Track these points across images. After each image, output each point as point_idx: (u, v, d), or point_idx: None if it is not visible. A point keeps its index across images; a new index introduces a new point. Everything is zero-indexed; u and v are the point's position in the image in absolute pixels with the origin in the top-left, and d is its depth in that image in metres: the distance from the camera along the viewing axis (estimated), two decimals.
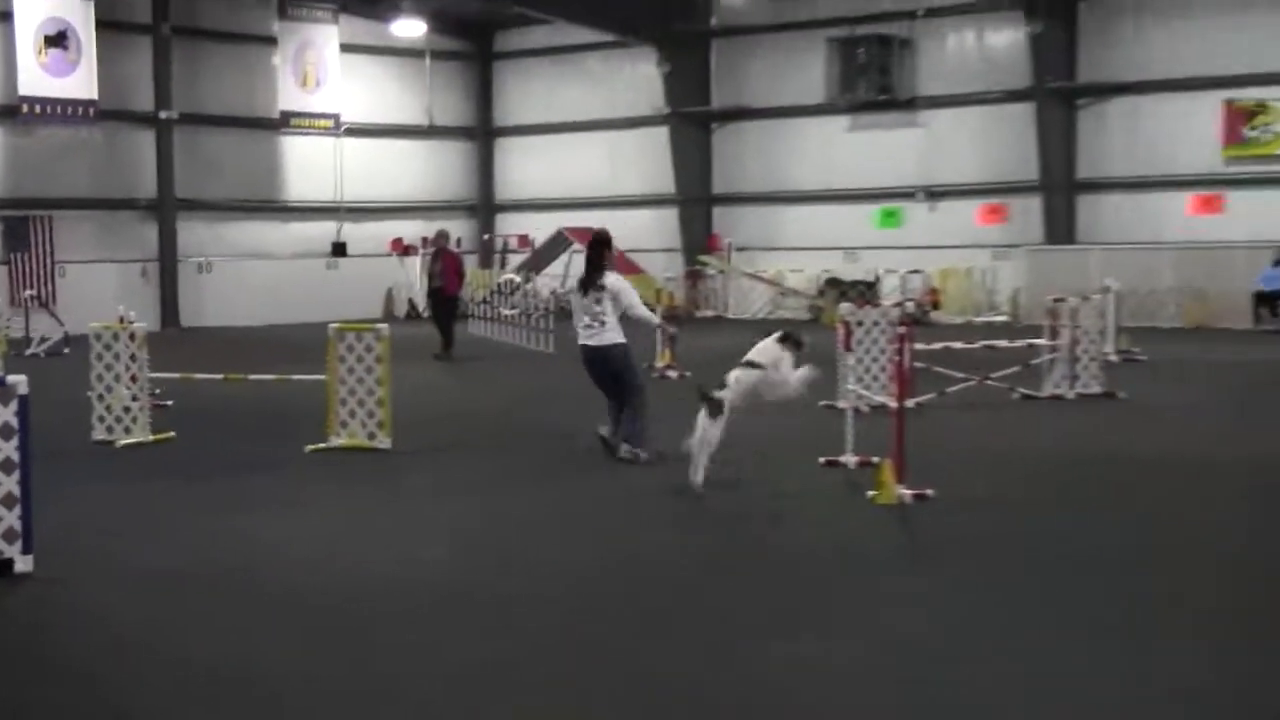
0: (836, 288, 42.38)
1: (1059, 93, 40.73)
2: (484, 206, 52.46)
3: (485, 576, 11.84)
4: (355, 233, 48.80)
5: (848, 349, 18.17)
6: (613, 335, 17.44)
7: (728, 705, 8.46)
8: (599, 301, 17.38)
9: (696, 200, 47.28)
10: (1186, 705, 8.30)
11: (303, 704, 8.55)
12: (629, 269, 44.18)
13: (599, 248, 17.92)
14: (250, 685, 8.95)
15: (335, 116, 47.54)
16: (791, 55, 45.40)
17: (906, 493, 14.13)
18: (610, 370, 17.59)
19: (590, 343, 17.52)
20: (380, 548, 12.84)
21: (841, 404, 18.28)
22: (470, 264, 42.77)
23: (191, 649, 9.74)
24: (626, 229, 45.87)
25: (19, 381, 11.57)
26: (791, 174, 45.99)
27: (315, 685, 8.88)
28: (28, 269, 40.79)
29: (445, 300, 32.46)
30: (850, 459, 16.10)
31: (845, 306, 21.56)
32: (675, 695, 8.69)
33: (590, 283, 17.49)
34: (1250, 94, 38.60)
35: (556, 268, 46.25)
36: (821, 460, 16.39)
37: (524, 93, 51.83)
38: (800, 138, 45.87)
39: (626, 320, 17.70)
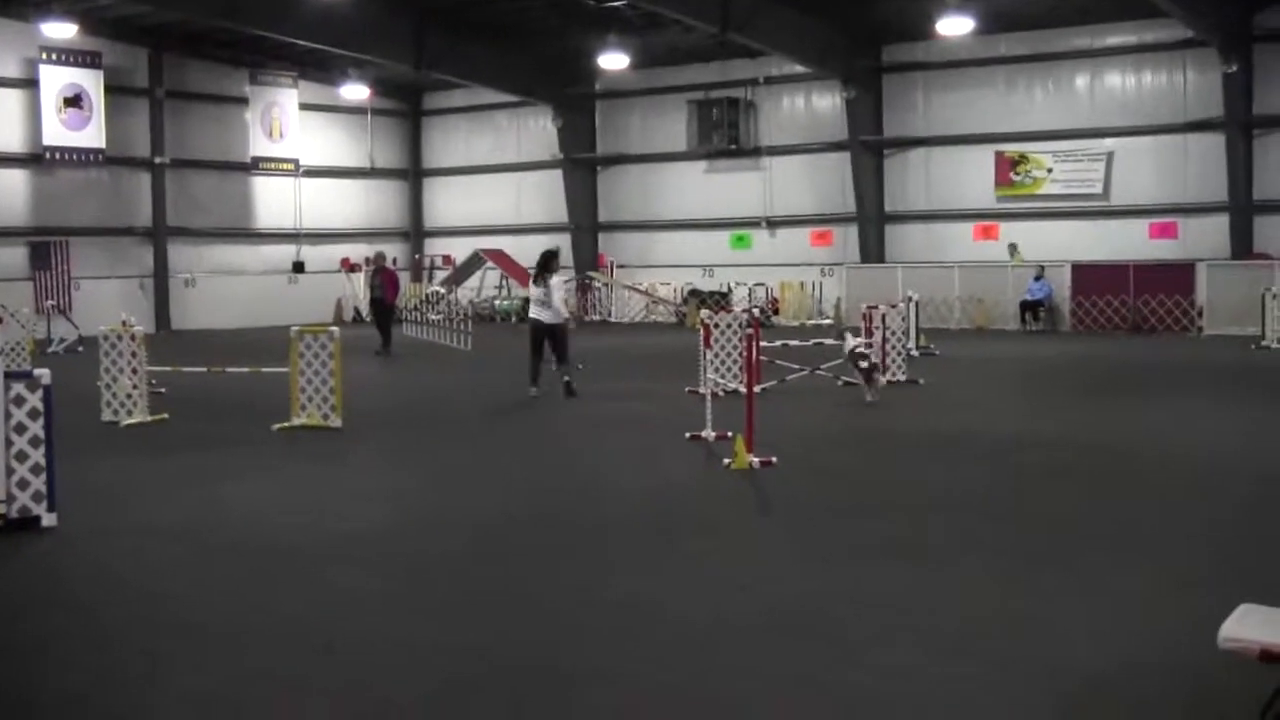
0: (697, 297, 42.52)
1: (869, 145, 41.09)
2: (415, 232, 52.16)
3: (406, 525, 11.91)
4: (311, 254, 48.41)
5: (708, 345, 18.29)
6: (552, 315, 21.69)
7: (587, 627, 8.53)
8: (545, 292, 21.68)
9: (585, 228, 47.29)
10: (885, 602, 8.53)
11: (235, 625, 8.57)
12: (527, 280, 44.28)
13: (550, 258, 22.21)
14: (213, 613, 8.97)
15: (295, 161, 47.18)
16: (660, 113, 45.50)
17: (756, 460, 14.29)
18: (549, 336, 21.73)
19: (538, 317, 21.77)
20: (329, 505, 12.86)
21: (702, 390, 18.43)
22: (404, 279, 42.56)
23: (171, 586, 9.75)
24: (528, 250, 45.92)
25: (44, 374, 11.53)
26: (661, 207, 46.08)
27: (264, 611, 8.92)
28: (49, 283, 40.27)
29: (384, 308, 32.41)
30: (710, 434, 16.22)
31: (705, 313, 21.74)
32: (535, 615, 8.77)
33: (540, 279, 21.87)
34: (1015, 147, 39.20)
35: (473, 281, 46.23)
36: (687, 435, 16.52)
37: (446, 142, 51.59)
38: (667, 178, 45.95)
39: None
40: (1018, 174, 39.25)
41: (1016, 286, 38.06)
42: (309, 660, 7.92)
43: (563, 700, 7.23)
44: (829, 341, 22.41)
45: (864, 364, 20.76)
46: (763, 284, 43.22)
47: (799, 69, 41.80)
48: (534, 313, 21.98)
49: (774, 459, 14.36)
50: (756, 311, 38.01)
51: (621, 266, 46.75)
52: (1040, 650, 7.90)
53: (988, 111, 39.59)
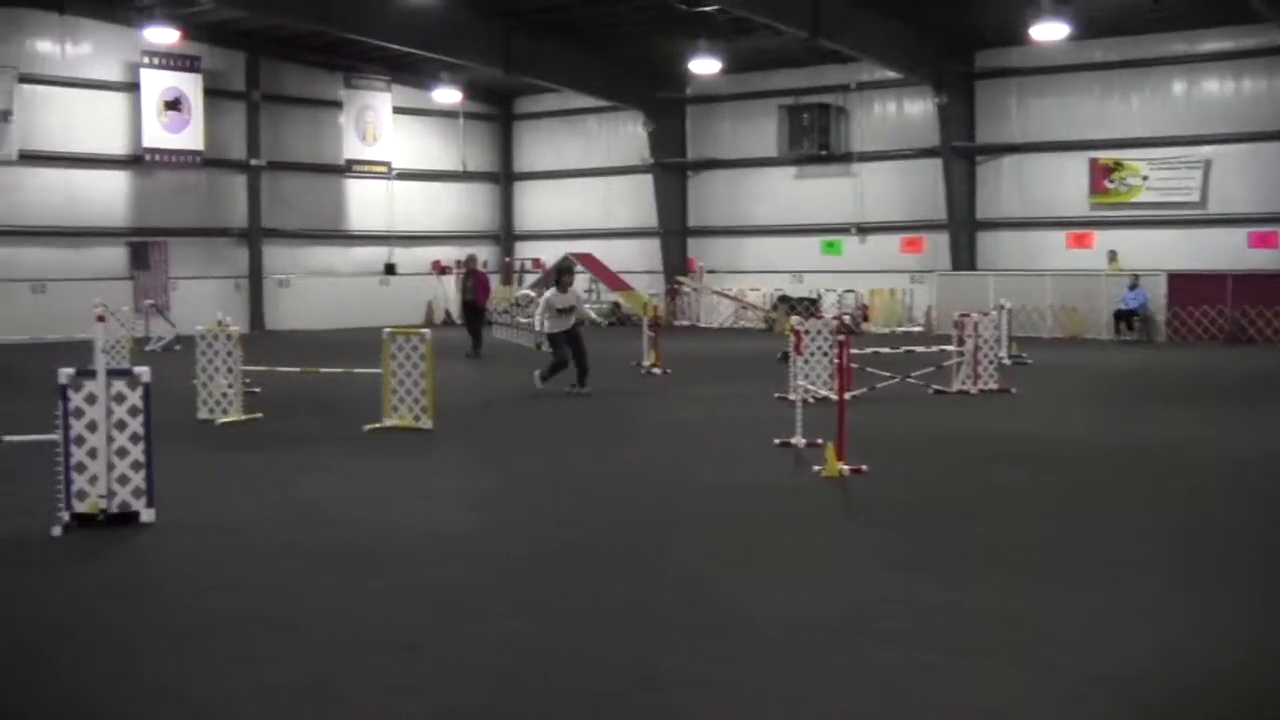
0: (786, 303, 42.50)
1: (961, 151, 40.85)
2: (505, 235, 52.43)
3: (494, 525, 11.99)
4: (403, 256, 48.84)
5: (799, 352, 18.24)
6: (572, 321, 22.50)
7: (668, 630, 8.52)
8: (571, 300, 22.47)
9: (675, 232, 47.34)
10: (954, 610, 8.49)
11: (323, 620, 8.66)
12: (620, 285, 44.42)
13: (571, 269, 23.54)
14: (302, 608, 9.08)
15: (388, 164, 47.64)
16: (750, 118, 45.47)
17: (846, 468, 14.23)
18: (574, 342, 22.53)
19: (565, 328, 22.47)
20: (419, 505, 12.96)
21: (792, 396, 18.39)
22: (495, 281, 42.76)
23: (262, 581, 9.90)
24: (618, 255, 46.36)
25: (143, 372, 11.70)
26: (750, 212, 46.05)
27: (352, 608, 9.00)
28: (148, 283, 40.92)
29: (475, 310, 32.58)
30: (799, 440, 16.18)
31: (795, 319, 21.70)
32: (617, 618, 8.80)
33: (564, 288, 22.69)
34: (1110, 154, 38.78)
35: None
36: (776, 441, 16.48)
37: (537, 146, 51.82)
38: (757, 183, 45.92)
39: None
40: (1112, 181, 38.83)
41: (1111, 295, 37.66)
42: (394, 658, 7.99)
43: (643, 703, 7.25)
44: (919, 349, 22.30)
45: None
46: (852, 290, 43.06)
47: (890, 74, 41.64)
48: (562, 325, 22.62)
49: (864, 467, 14.30)
50: (845, 318, 37.94)
51: (711, 272, 46.74)
52: (1123, 665, 7.81)
53: (1082, 118, 39.21)
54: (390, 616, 8.87)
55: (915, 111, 42.28)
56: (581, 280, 46.06)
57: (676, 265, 47.10)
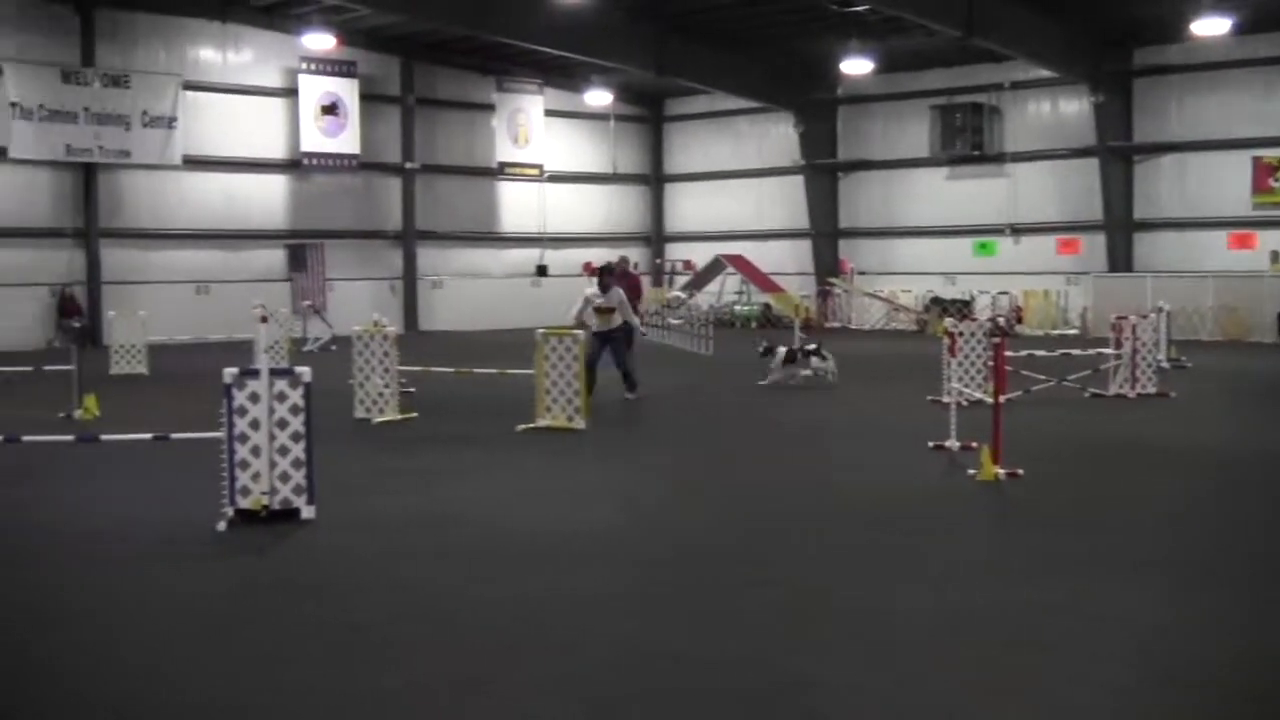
0: (938, 305, 42.15)
1: (1118, 150, 40.17)
2: (656, 237, 52.63)
3: (645, 526, 12.03)
4: (554, 257, 49.26)
5: (953, 354, 18.06)
6: (618, 321, 21.59)
7: (815, 631, 8.51)
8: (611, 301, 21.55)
9: (826, 234, 47.16)
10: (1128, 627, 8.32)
11: (477, 619, 8.75)
12: (771, 287, 44.33)
13: (610, 272, 22.38)
14: (455, 605, 9.20)
15: (540, 166, 48.09)
16: (902, 119, 45.18)
17: (1002, 471, 14.08)
18: (612, 344, 21.56)
19: (604, 329, 21.51)
20: (570, 505, 13.05)
21: (945, 399, 18.20)
22: (646, 283, 42.94)
23: (416, 578, 10.04)
24: (768, 256, 46.33)
25: (304, 372, 11.91)
26: (902, 213, 45.77)
27: (504, 607, 9.08)
28: (305, 284, 41.77)
29: None
30: (954, 443, 16.03)
31: (949, 321, 21.50)
32: (764, 618, 8.79)
33: (606, 289, 21.65)
34: (1274, 153, 37.85)
35: (713, 286, 46.48)
36: (930, 444, 16.35)
37: (688, 147, 51.97)
38: (909, 184, 45.62)
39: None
40: (1276, 180, 37.90)
41: (1274, 297, 36.79)
42: (546, 657, 8.07)
43: (793, 705, 7.25)
44: (1075, 352, 21.98)
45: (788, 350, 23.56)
46: (1006, 292, 42.54)
47: (1044, 73, 41.10)
48: (599, 326, 21.63)
49: (1020, 470, 14.12)
50: (1000, 320, 37.54)
51: (862, 273, 46.46)
52: (1265, 683, 7.66)
53: (1244, 115, 38.32)
54: (542, 616, 8.95)
55: (1070, 110, 41.68)
56: (733, 282, 46.31)
57: (828, 267, 46.90)
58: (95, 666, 7.90)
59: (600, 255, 48.41)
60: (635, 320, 21.97)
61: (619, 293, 21.83)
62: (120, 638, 8.50)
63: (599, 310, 21.67)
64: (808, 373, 24.27)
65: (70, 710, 7.23)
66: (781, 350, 24.14)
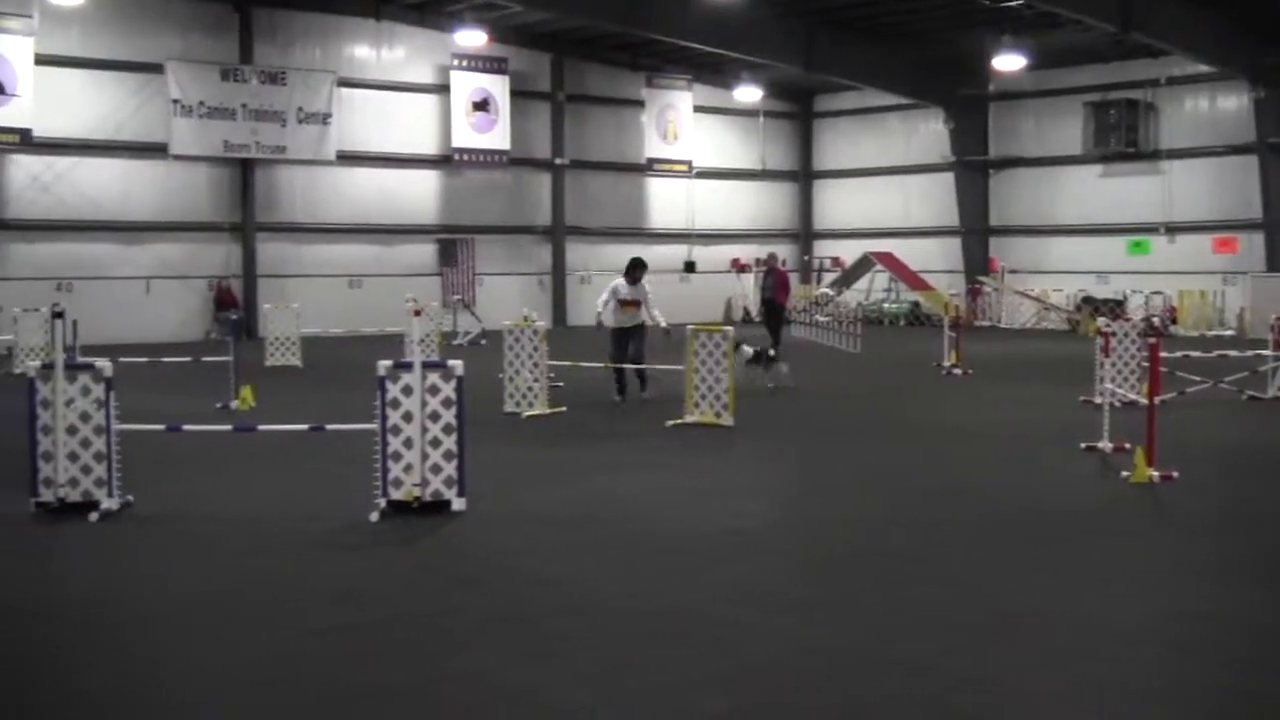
0: (1090, 304, 41.44)
1: (1278, 148, 39.20)
2: (804, 234, 52.44)
3: (793, 523, 11.98)
4: (703, 253, 49.29)
5: (1106, 354, 17.75)
6: (643, 317, 21.13)
7: (966, 631, 8.42)
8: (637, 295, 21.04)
9: (976, 231, 46.60)
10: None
11: (626, 611, 8.76)
12: (920, 285, 43.92)
13: (641, 266, 21.50)
14: (602, 600, 9.23)
15: (689, 162, 48.11)
16: (1054, 115, 44.51)
17: (1155, 474, 13.79)
18: (634, 340, 21.02)
19: (627, 324, 21.07)
20: (717, 501, 13.02)
21: (1098, 399, 17.87)
22: (794, 280, 42.76)
23: (564, 571, 10.11)
24: (917, 253, 45.89)
25: (457, 365, 12.04)
26: (1054, 211, 45.05)
27: (651, 602, 9.08)
28: (455, 279, 42.25)
29: (775, 308, 32.58)
30: (1106, 445, 15.74)
31: (1102, 320, 21.12)
32: (915, 617, 8.68)
33: (633, 280, 21.10)
34: None
35: (861, 284, 46.20)
36: (1082, 445, 16.07)
37: (837, 144, 51.70)
38: (1061, 182, 44.90)
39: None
40: None
41: None
42: (697, 651, 8.06)
43: (951, 706, 7.19)
44: (1232, 354, 21.49)
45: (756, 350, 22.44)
46: (1160, 292, 41.68)
47: (1202, 68, 40.22)
48: (621, 320, 21.20)
49: (1175, 473, 13.84)
50: (1155, 320, 36.83)
51: (1013, 272, 45.82)
52: None
53: None
54: (691, 610, 8.95)
55: (1229, 106, 40.73)
56: (881, 279, 45.95)
57: (977, 265, 46.34)
58: (257, 652, 8.06)
59: (748, 252, 48.68)
60: (660, 317, 21.17)
61: (645, 287, 21.40)
62: (278, 625, 8.67)
63: (624, 303, 21.27)
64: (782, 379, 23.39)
65: (239, 688, 7.38)
66: (747, 350, 22.77)
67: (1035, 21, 37.77)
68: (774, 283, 32.53)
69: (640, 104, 47.08)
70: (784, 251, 46.28)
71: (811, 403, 22.06)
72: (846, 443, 17.47)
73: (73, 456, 12.08)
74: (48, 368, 12.20)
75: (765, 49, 41.92)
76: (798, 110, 52.05)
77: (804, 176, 52.52)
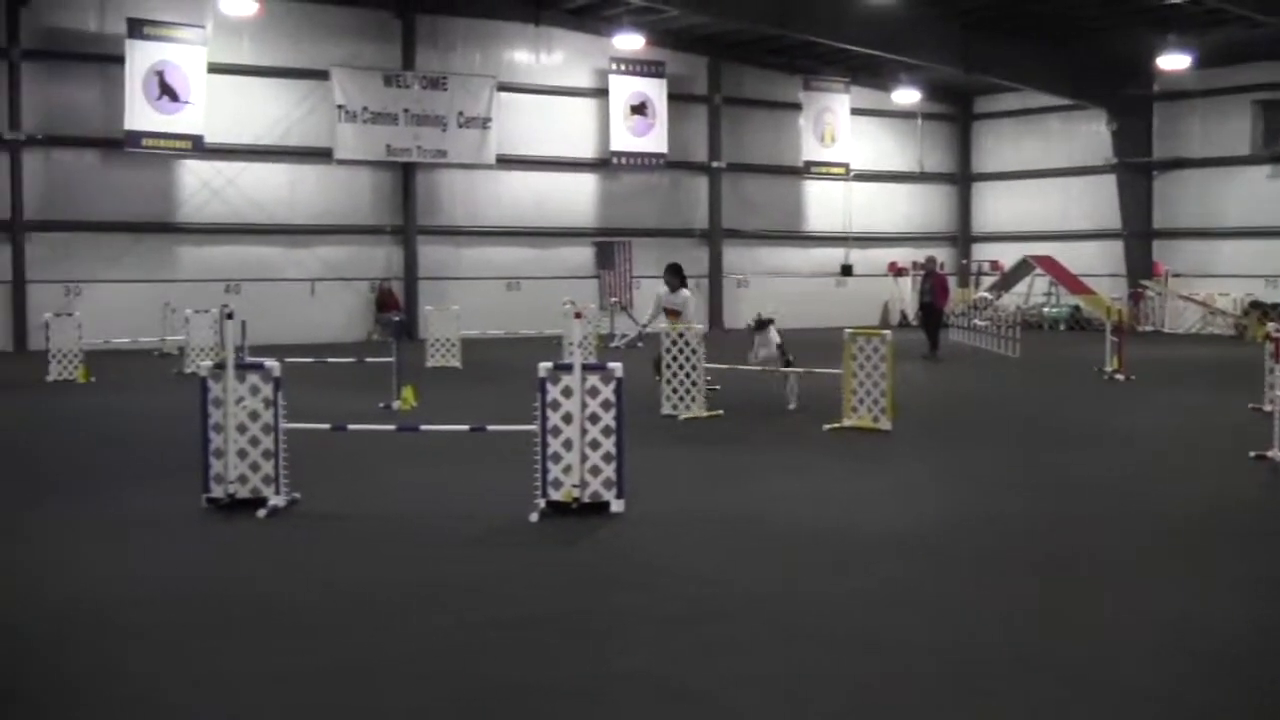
0: (1258, 309, 40.44)
1: None
2: (962, 237, 51.87)
3: (950, 527, 11.81)
4: (859, 257, 48.98)
5: (1277, 360, 17.29)
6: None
7: (1122, 640, 8.23)
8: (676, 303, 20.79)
9: (1139, 234, 45.65)
10: None
11: (790, 614, 8.71)
12: (1081, 289, 43.20)
13: (674, 272, 21.38)
14: (762, 602, 9.17)
15: (846, 165, 47.82)
16: (1221, 114, 43.45)
17: None
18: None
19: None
20: (873, 504, 12.90)
21: (1268, 406, 17.44)
22: (952, 283, 42.30)
23: (722, 573, 10.07)
24: (1077, 257, 45.12)
25: (617, 367, 12.07)
26: (1221, 213, 43.88)
27: (808, 604, 9.02)
28: (612, 281, 42.45)
29: (933, 312, 32.32)
30: (1277, 453, 15.21)
31: (1272, 325, 20.59)
32: (1066, 625, 8.50)
33: (673, 288, 20.99)
34: None
35: (1020, 287, 45.55)
36: (1251, 454, 15.63)
37: (996, 146, 51.04)
38: (1228, 183, 43.78)
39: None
40: None
41: None
42: (859, 656, 7.99)
43: (1109, 712, 7.06)
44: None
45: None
46: None
47: None
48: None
49: None
50: None
51: (1177, 275, 44.85)
52: None
53: None
54: (853, 613, 8.89)
55: None
56: (1041, 283, 45.27)
57: (1140, 268, 45.40)
58: (420, 647, 8.15)
59: (906, 255, 48.28)
60: (697, 328, 20.27)
61: (686, 294, 21.19)
62: (440, 621, 8.74)
63: (668, 312, 21.05)
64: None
65: (403, 682, 7.48)
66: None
67: (1202, 18, 36.98)
68: (932, 286, 32.27)
69: (797, 107, 46.91)
70: (942, 255, 45.87)
71: (970, 408, 21.81)
72: (1005, 447, 17.21)
73: (242, 454, 12.35)
74: (219, 367, 12.49)
75: (923, 50, 41.53)
76: (956, 112, 51.50)
77: (962, 179, 51.95)
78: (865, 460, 15.83)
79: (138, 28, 35.70)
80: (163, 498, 13.00)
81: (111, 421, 19.99)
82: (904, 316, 47.15)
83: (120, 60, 35.53)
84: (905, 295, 47.53)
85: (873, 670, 7.71)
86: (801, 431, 17.99)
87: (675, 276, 21.34)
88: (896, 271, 48.79)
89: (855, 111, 47.96)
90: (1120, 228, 45.75)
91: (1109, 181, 45.96)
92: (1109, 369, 26.01)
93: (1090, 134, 46.94)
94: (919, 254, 41.26)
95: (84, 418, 20.47)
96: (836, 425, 18.11)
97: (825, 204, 48.35)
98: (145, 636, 8.43)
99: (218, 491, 12.37)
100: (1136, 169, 45.50)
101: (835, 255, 48.63)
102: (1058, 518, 12.37)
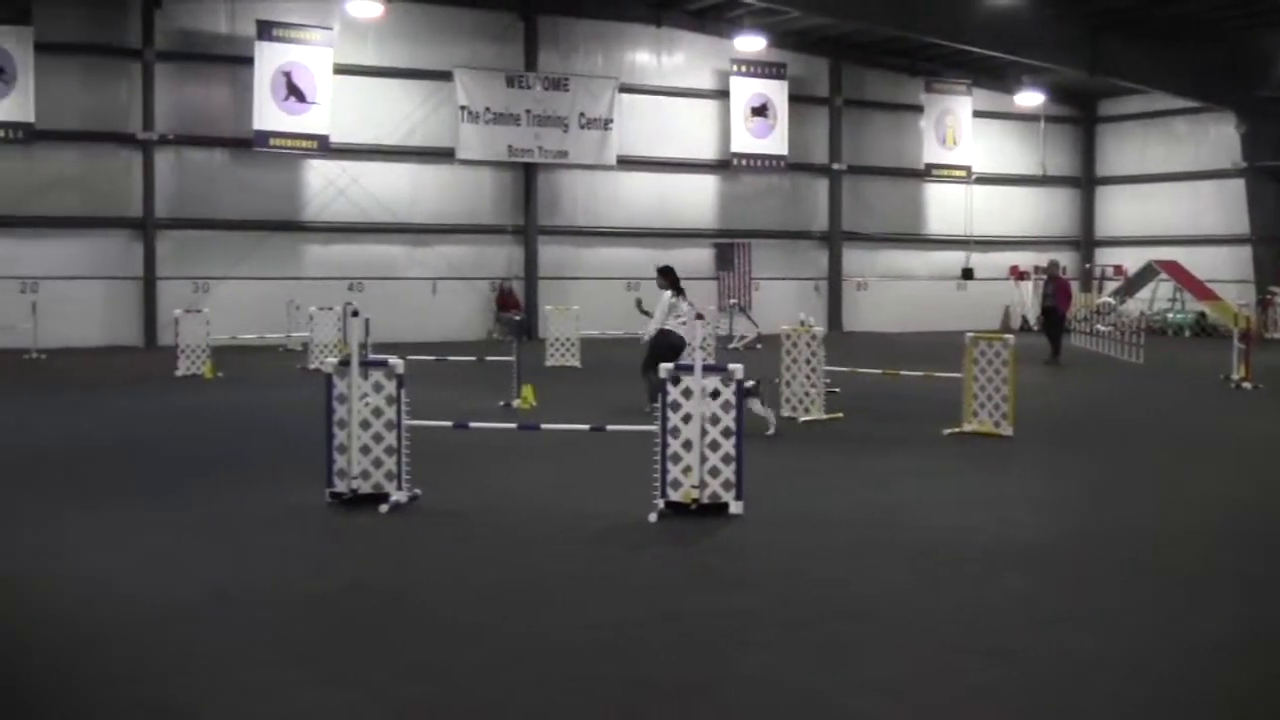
0: None
1: None
2: (1085, 241, 51.20)
3: (1075, 535, 11.64)
4: (980, 260, 48.49)
5: None
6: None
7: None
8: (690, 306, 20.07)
9: (1269, 240, 44.76)
10: None
11: (905, 619, 8.62)
12: (1207, 295, 42.41)
13: (672, 274, 20.75)
14: (882, 606, 9.09)
15: (968, 168, 47.41)
16: None
17: None
18: (671, 351, 18.83)
19: (674, 328, 19.75)
20: (996, 510, 12.72)
21: None
22: (1075, 288, 41.75)
23: (842, 576, 10.03)
24: (1203, 262, 44.23)
25: (736, 369, 12.03)
26: None
27: (931, 610, 8.93)
28: (731, 283, 42.38)
29: (1055, 317, 31.93)
30: None
31: None
32: (1191, 636, 8.35)
33: (682, 293, 20.30)
34: None
35: (1145, 293, 44.83)
36: None
37: (1121, 149, 50.31)
38: None
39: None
40: None
41: None
42: (979, 661, 7.90)
43: None
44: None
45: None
46: None
47: None
48: (675, 328, 19.85)
49: None
50: None
51: None
52: None
53: None
54: (972, 620, 8.78)
55: None
56: (1165, 288, 44.50)
57: (1269, 274, 44.47)
58: (542, 645, 8.17)
59: (1027, 259, 47.75)
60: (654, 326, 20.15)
61: (665, 296, 20.27)
62: (557, 619, 8.75)
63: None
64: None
65: (525, 679, 7.50)
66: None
67: None
68: (1054, 290, 31.87)
69: (919, 109, 46.60)
70: (1065, 259, 45.25)
71: (1093, 414, 21.49)
72: (1129, 454, 16.93)
73: (365, 450, 12.47)
74: (344, 364, 12.63)
75: (1047, 52, 41.05)
76: (1080, 114, 50.82)
77: (1086, 182, 51.26)
78: (986, 466, 15.65)
79: (266, 30, 36.28)
80: (286, 493, 13.18)
81: (237, 417, 20.29)
82: (1025, 321, 46.62)
83: (249, 62, 36.16)
84: (1027, 300, 47.00)
85: (994, 680, 7.60)
86: (921, 436, 17.81)
87: (663, 278, 20.77)
88: (1018, 275, 48.26)
89: (977, 114, 47.52)
90: (1249, 233, 44.88)
91: (1237, 186, 45.11)
92: (1235, 377, 25.50)
93: (1219, 136, 46.10)
94: (1041, 258, 40.80)
95: (210, 413, 20.79)
96: (956, 430, 17.93)
97: (946, 207, 47.98)
98: (272, 632, 8.53)
99: (341, 486, 12.51)
100: (1267, 173, 44.56)
101: (956, 259, 48.21)
102: (1182, 527, 12.13)
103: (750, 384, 16.89)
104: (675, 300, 20.23)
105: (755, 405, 17.29)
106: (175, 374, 26.43)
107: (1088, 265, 50.36)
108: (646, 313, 21.20)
